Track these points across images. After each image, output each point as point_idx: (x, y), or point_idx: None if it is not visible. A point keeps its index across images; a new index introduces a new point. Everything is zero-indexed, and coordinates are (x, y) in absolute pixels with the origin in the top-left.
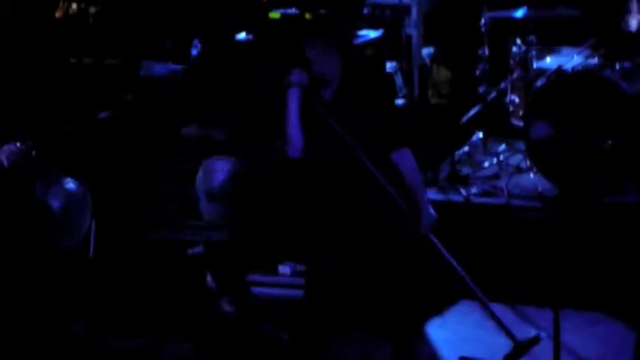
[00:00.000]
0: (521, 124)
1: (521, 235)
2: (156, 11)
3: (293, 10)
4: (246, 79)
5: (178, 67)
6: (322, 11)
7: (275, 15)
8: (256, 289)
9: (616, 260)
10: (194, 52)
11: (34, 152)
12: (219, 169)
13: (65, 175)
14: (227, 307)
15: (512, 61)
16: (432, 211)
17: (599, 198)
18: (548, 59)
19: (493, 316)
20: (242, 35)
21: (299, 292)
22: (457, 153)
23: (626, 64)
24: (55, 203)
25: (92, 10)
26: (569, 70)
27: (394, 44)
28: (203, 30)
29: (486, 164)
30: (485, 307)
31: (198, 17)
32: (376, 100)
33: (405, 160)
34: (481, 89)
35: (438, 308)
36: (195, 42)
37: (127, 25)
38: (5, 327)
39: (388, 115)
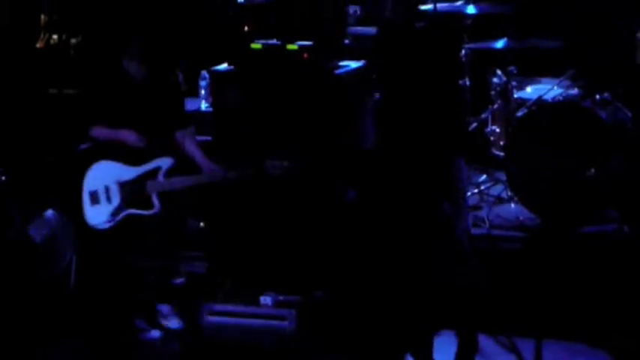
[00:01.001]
0: (501, 154)
1: (503, 264)
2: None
3: (274, 41)
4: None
5: None
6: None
7: (256, 45)
8: (236, 320)
9: (597, 289)
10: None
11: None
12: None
13: (46, 206)
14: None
15: (492, 92)
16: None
17: (580, 227)
18: (528, 89)
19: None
20: (223, 66)
21: (281, 324)
22: None
23: (606, 95)
24: (36, 233)
25: (73, 41)
26: (550, 100)
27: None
28: (184, 61)
29: (468, 194)
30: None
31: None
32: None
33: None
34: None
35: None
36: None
37: (108, 56)
38: None
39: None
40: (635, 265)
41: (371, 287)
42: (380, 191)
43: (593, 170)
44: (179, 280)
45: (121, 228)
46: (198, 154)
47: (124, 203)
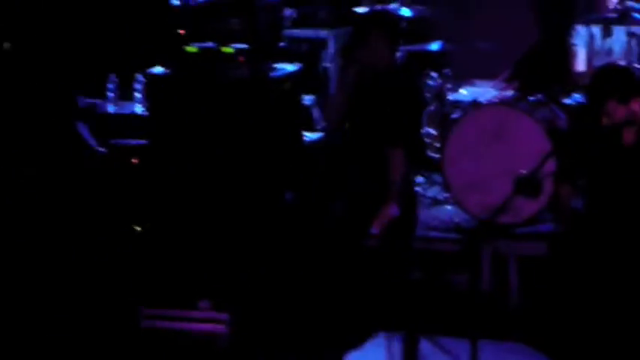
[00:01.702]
0: (437, 156)
1: (439, 266)
2: (70, 46)
3: (210, 44)
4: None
5: (95, 101)
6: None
7: (192, 49)
8: (174, 325)
9: (532, 290)
10: (110, 86)
11: None
12: None
13: None
14: None
15: (427, 94)
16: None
17: (515, 228)
18: (463, 92)
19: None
20: (158, 69)
21: (219, 327)
22: None
23: (539, 96)
24: None
25: (6, 45)
26: (484, 102)
27: (311, 77)
28: (119, 64)
29: None
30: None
31: (114, 52)
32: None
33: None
34: None
35: (357, 340)
36: (112, 77)
37: (40, 60)
38: None
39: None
40: (571, 266)
41: (307, 289)
42: (317, 191)
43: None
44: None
45: None
46: None
47: None
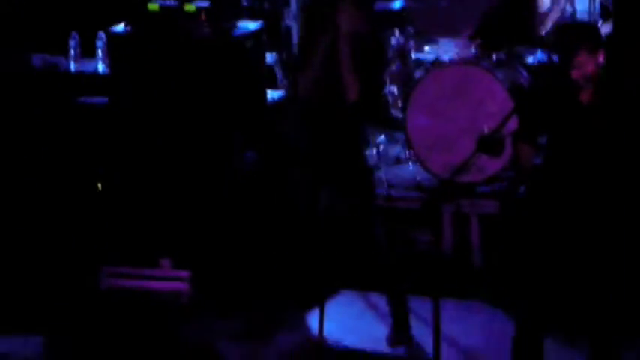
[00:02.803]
0: (400, 114)
1: (401, 224)
2: (33, 4)
3: (172, 2)
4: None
5: (57, 59)
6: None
7: (154, 6)
8: (135, 283)
9: (494, 248)
10: (72, 44)
11: None
12: None
13: None
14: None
15: (390, 53)
16: None
17: (477, 187)
18: (426, 50)
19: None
20: (120, 27)
21: (182, 285)
22: None
23: (501, 55)
24: None
25: None
26: (447, 60)
27: (274, 36)
28: (81, 22)
29: (366, 155)
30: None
31: (76, 10)
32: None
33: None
34: None
35: (318, 298)
36: (73, 34)
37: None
38: None
39: None
40: (529, 226)
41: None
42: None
43: (487, 130)
44: None
45: None
46: None
47: None
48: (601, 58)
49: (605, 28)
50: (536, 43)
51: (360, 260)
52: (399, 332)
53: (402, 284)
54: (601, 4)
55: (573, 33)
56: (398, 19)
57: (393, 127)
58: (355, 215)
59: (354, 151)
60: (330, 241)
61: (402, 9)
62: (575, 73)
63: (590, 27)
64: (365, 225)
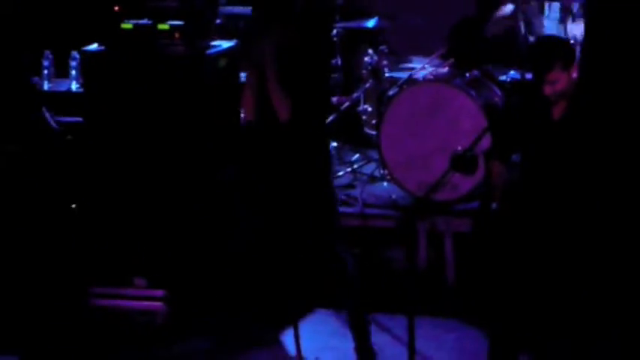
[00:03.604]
0: (374, 132)
1: (376, 243)
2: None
3: (145, 21)
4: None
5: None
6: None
7: (127, 25)
8: (110, 302)
9: (468, 266)
10: (45, 63)
11: None
12: None
13: None
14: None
15: (364, 71)
16: None
17: (452, 205)
18: (399, 68)
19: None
20: (94, 46)
21: (156, 304)
22: None
23: (475, 72)
24: None
25: None
26: (420, 79)
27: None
28: (54, 41)
29: (341, 173)
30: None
31: (49, 29)
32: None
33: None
34: (334, 99)
35: (293, 317)
36: (47, 53)
37: None
38: None
39: None
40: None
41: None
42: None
43: (461, 148)
44: None
45: None
46: None
47: None
48: (574, 74)
49: (576, 29)
50: (510, 61)
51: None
52: (363, 351)
53: (361, 301)
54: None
55: (547, 49)
56: (372, 37)
57: (368, 145)
58: (317, 235)
59: (309, 170)
60: (300, 259)
61: (376, 27)
62: (547, 89)
63: (564, 43)
64: (327, 244)
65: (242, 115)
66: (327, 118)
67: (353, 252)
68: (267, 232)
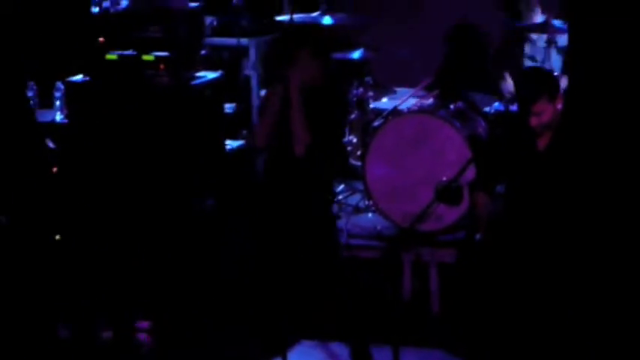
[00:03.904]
0: (359, 163)
1: (361, 273)
2: None
3: (131, 52)
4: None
5: None
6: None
7: (112, 56)
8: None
9: (453, 297)
10: (30, 94)
11: None
12: None
13: None
14: None
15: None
16: None
17: (437, 236)
18: (384, 100)
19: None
20: (78, 77)
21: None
22: None
23: (459, 104)
24: None
25: None
26: (405, 110)
27: (233, 85)
28: (39, 72)
29: None
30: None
31: (34, 60)
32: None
33: None
34: None
35: (279, 348)
36: (31, 84)
37: None
38: None
39: None
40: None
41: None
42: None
43: (445, 179)
44: None
45: None
46: None
47: None
48: (559, 106)
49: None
50: (494, 93)
51: (320, 310)
52: None
53: (365, 334)
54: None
55: (533, 81)
56: (356, 69)
57: (353, 176)
58: (320, 265)
59: (314, 202)
60: (290, 290)
61: (361, 59)
62: (533, 121)
63: (549, 74)
64: (330, 275)
65: (246, 140)
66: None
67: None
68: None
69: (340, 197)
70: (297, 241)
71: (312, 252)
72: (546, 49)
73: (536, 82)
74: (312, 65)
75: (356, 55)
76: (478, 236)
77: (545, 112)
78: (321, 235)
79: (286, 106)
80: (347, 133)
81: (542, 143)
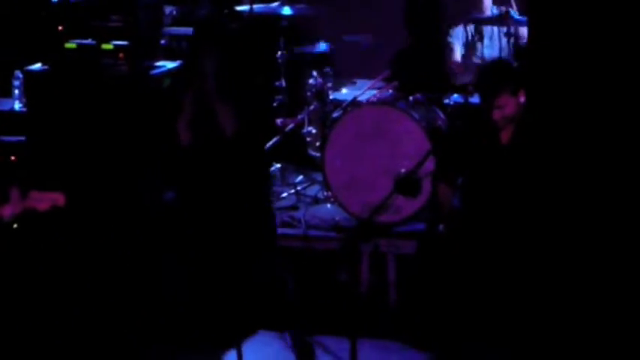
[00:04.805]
0: (318, 154)
1: (319, 265)
2: None
3: (90, 41)
4: None
5: None
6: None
7: (71, 45)
8: None
9: (411, 288)
10: None
11: None
12: None
13: None
14: None
15: (308, 93)
16: None
17: (395, 227)
18: (343, 91)
19: (292, 347)
20: (37, 66)
21: None
22: None
23: (419, 96)
24: None
25: None
26: (364, 101)
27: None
28: None
29: (284, 195)
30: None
31: None
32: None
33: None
34: (278, 121)
35: (235, 339)
36: None
37: None
38: None
39: None
40: (444, 263)
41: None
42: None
43: (404, 171)
44: None
45: None
46: None
47: None
48: (522, 99)
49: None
50: (453, 87)
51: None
52: None
53: (303, 323)
54: (514, 46)
55: (496, 74)
56: (316, 59)
57: (311, 167)
58: (256, 256)
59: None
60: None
61: (321, 50)
62: (496, 114)
63: (512, 68)
64: (266, 265)
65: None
66: (269, 137)
67: (294, 274)
68: (204, 255)
69: (299, 188)
70: (233, 230)
71: (248, 240)
72: (505, 41)
73: (498, 76)
74: (222, 56)
75: (322, 47)
76: (441, 227)
77: (508, 105)
78: (256, 224)
79: (204, 97)
80: (306, 123)
81: (504, 136)
